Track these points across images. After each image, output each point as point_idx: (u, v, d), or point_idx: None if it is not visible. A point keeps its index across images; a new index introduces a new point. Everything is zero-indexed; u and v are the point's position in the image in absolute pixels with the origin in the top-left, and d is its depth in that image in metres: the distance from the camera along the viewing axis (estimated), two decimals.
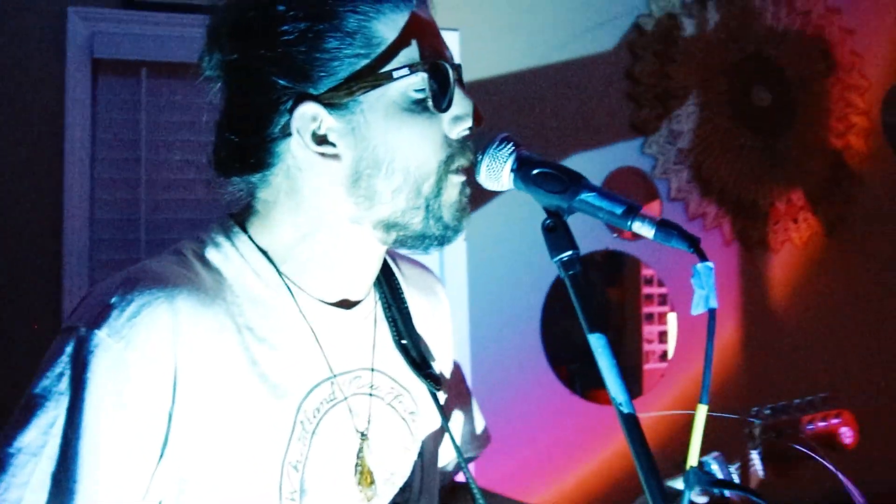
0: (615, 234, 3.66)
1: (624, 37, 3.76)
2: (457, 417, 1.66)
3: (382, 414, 1.40)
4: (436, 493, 1.53)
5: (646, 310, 4.05)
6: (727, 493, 1.32)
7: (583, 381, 3.66)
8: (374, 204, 1.26)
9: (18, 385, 1.21)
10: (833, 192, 4.05)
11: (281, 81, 1.23)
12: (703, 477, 1.05)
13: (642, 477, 1.05)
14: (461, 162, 1.28)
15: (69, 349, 1.15)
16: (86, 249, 3.00)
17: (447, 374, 1.62)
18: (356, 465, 1.33)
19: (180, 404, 1.16)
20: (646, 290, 4.04)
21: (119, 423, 1.12)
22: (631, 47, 3.76)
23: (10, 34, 3.01)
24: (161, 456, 1.16)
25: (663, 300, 4.01)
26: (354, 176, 1.25)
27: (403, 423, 1.43)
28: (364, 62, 1.22)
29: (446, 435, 1.55)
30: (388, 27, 1.24)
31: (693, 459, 1.03)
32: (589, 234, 3.49)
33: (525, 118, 3.57)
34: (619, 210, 1.14)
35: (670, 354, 3.83)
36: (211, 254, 1.30)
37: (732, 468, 1.68)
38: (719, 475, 1.61)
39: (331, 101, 1.22)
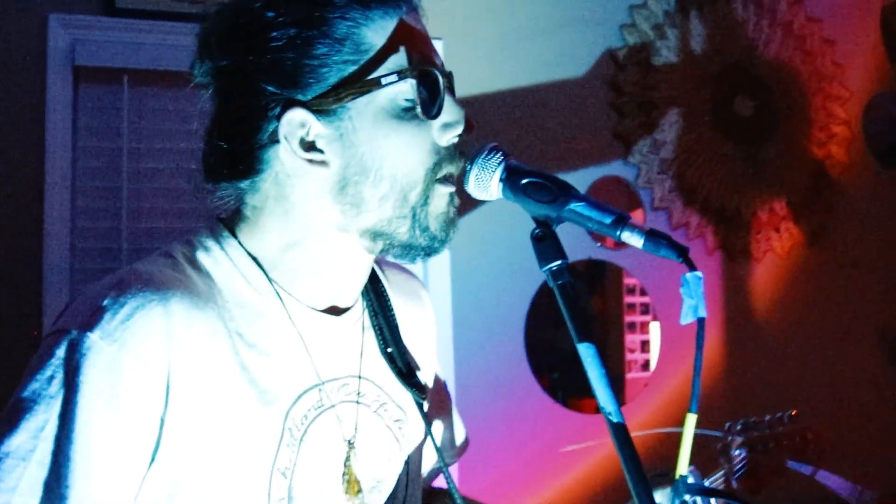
0: (598, 244, 3.67)
1: (607, 45, 3.78)
2: (437, 424, 1.65)
3: (369, 422, 1.39)
4: (420, 502, 1.52)
5: (628, 319, 4.06)
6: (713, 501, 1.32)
7: (564, 389, 3.66)
8: (361, 211, 1.25)
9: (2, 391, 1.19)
10: (815, 202, 4.07)
11: (269, 87, 1.22)
12: (691, 485, 1.05)
13: (631, 485, 1.05)
14: (449, 169, 1.28)
15: (60, 352, 1.13)
16: (66, 258, 2.98)
17: (430, 381, 1.62)
18: (343, 473, 1.33)
19: (173, 408, 1.15)
20: (628, 299, 4.05)
21: (112, 427, 1.11)
22: (614, 57, 3.77)
23: None
24: (152, 460, 1.15)
25: (646, 309, 4.02)
26: (342, 183, 1.24)
27: (389, 431, 1.42)
28: (353, 68, 1.22)
29: (429, 446, 1.55)
30: (378, 34, 1.24)
31: (682, 468, 1.03)
32: (571, 243, 3.49)
33: (508, 127, 3.57)
34: (608, 220, 1.14)
35: (653, 363, 3.84)
36: (201, 257, 1.30)
37: (707, 482, 1.69)
38: None
39: (319, 108, 1.22)
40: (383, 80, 1.21)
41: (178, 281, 1.22)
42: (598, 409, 3.18)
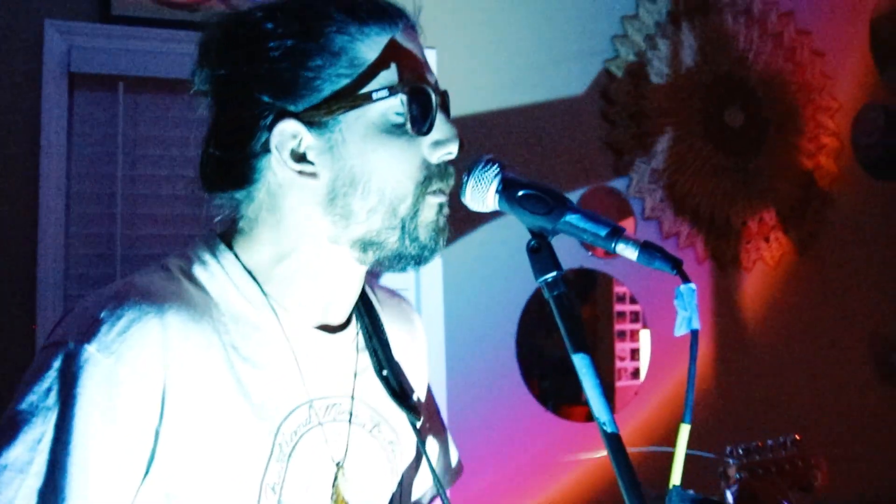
0: (589, 252, 3.68)
1: (599, 56, 3.80)
2: (432, 449, 1.65)
3: (362, 443, 1.39)
4: None
5: (618, 327, 4.07)
6: None
7: (555, 397, 3.67)
8: (350, 223, 1.26)
9: None
10: (804, 212, 4.10)
11: (264, 97, 1.24)
12: (684, 494, 1.06)
13: (625, 495, 1.07)
14: (439, 185, 1.28)
15: (57, 364, 1.13)
16: (61, 264, 2.98)
17: (424, 401, 1.62)
18: (332, 494, 1.33)
19: (168, 420, 1.16)
20: (618, 307, 4.07)
21: (108, 439, 1.12)
22: (605, 67, 3.79)
23: None
24: (147, 472, 1.15)
25: (636, 318, 4.03)
26: (331, 194, 1.26)
27: (383, 452, 1.43)
28: (346, 82, 1.23)
29: (421, 467, 1.55)
30: (372, 49, 1.25)
31: (676, 478, 1.04)
32: (562, 251, 3.51)
33: (500, 137, 3.59)
34: (603, 232, 1.15)
35: (643, 372, 3.85)
36: (197, 271, 1.30)
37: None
38: None
39: (311, 120, 1.23)
40: (374, 95, 1.23)
41: (174, 294, 1.23)
42: (588, 418, 3.18)
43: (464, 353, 3.43)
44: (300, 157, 1.25)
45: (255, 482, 1.23)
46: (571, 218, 1.17)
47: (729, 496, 1.71)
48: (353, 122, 1.24)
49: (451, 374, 3.37)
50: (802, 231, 4.10)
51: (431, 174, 1.27)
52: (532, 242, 1.19)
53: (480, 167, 1.24)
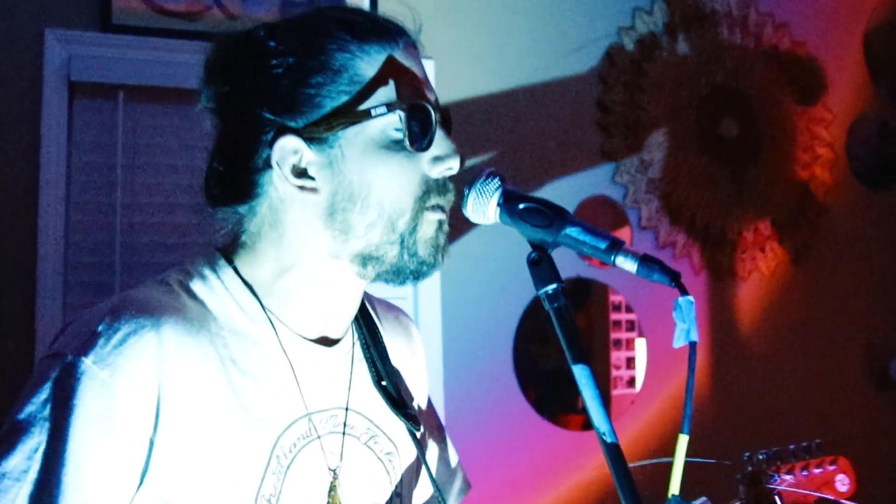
0: (586, 262, 3.70)
1: (595, 66, 3.82)
2: (433, 462, 1.66)
3: (357, 453, 1.40)
4: None
5: (614, 336, 4.09)
6: None
7: (551, 406, 3.68)
8: (350, 238, 1.28)
9: None
10: (799, 222, 4.13)
11: (265, 114, 1.26)
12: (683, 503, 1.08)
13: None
14: (438, 201, 1.30)
15: (55, 375, 1.15)
16: (60, 273, 2.98)
17: (425, 414, 1.63)
18: (328, 502, 1.34)
19: (162, 431, 1.17)
20: (614, 316, 4.08)
21: (103, 450, 1.13)
22: (602, 77, 3.81)
23: None
24: (141, 482, 1.17)
25: (631, 326, 4.05)
26: (330, 209, 1.27)
27: (380, 463, 1.44)
28: (345, 99, 1.25)
29: (423, 480, 1.56)
30: (372, 67, 1.27)
31: (675, 488, 1.06)
32: (558, 261, 3.52)
33: (496, 146, 3.61)
34: (602, 245, 1.16)
35: (639, 381, 3.87)
36: (196, 286, 1.32)
37: None
38: None
39: (311, 136, 1.25)
40: (373, 112, 1.24)
41: (171, 308, 1.24)
42: (584, 427, 3.20)
43: (461, 362, 3.44)
44: (301, 173, 1.27)
45: (250, 494, 1.24)
46: (572, 231, 1.19)
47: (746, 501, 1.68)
48: (353, 138, 1.25)
49: (449, 383, 3.38)
50: (797, 241, 4.12)
51: (430, 189, 1.29)
52: (533, 255, 1.21)
53: (482, 180, 1.26)
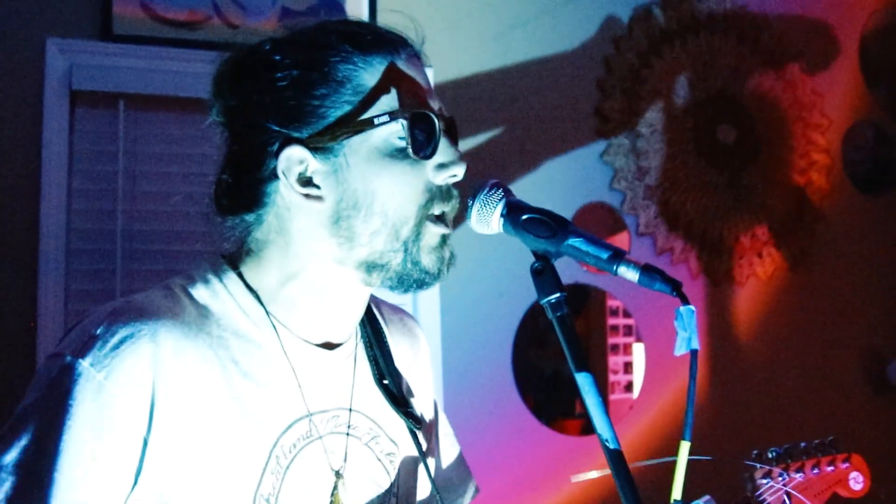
0: (584, 267, 3.71)
1: (593, 76, 3.85)
2: (442, 462, 1.69)
3: (359, 454, 1.43)
4: None
5: (611, 342, 4.10)
6: None
7: (550, 411, 3.70)
8: (355, 245, 1.31)
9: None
10: (796, 228, 4.15)
11: (272, 125, 1.29)
12: None
13: None
14: (442, 207, 1.33)
15: (54, 375, 1.20)
16: (61, 279, 3.00)
17: (429, 415, 1.66)
18: (330, 502, 1.36)
19: (156, 432, 1.21)
20: (611, 321, 4.10)
21: (96, 449, 1.17)
22: (600, 85, 3.83)
23: None
24: (136, 481, 1.20)
25: (629, 332, 4.07)
26: (335, 217, 1.30)
27: (380, 463, 1.46)
28: (349, 109, 1.28)
29: (423, 475, 1.57)
30: (375, 77, 1.30)
31: (677, 493, 1.07)
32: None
33: (494, 151, 3.63)
34: (605, 255, 1.19)
35: (637, 387, 3.88)
36: (199, 290, 1.35)
37: None
38: None
39: (316, 145, 1.28)
40: (376, 121, 1.28)
41: (170, 312, 1.28)
42: (582, 432, 3.20)
43: (460, 368, 3.45)
44: (306, 182, 1.30)
45: (248, 493, 1.27)
46: (575, 241, 1.21)
47: (753, 500, 1.67)
48: (357, 147, 1.28)
49: (448, 389, 3.39)
50: (794, 246, 4.14)
51: (434, 196, 1.31)
52: (536, 265, 1.23)
53: (485, 192, 1.29)
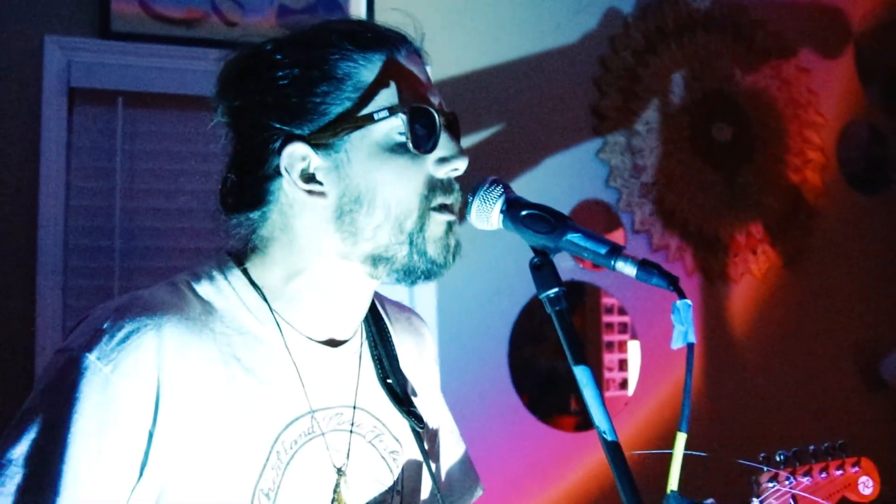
0: (580, 265, 3.73)
1: (590, 74, 3.86)
2: (447, 462, 1.70)
3: (362, 451, 1.44)
4: None
5: (607, 338, 4.13)
6: None
7: (545, 408, 3.71)
8: (359, 240, 1.32)
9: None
10: (791, 225, 4.16)
11: (274, 123, 1.31)
12: (681, 500, 1.11)
13: (625, 501, 1.11)
14: (444, 199, 1.34)
15: (62, 368, 1.22)
16: (60, 276, 3.01)
17: (435, 416, 1.67)
18: (333, 500, 1.38)
19: (161, 425, 1.22)
20: (607, 318, 4.12)
21: (103, 441, 1.19)
22: (597, 83, 3.85)
23: None
24: (141, 474, 1.22)
25: (624, 329, 4.09)
26: (338, 212, 1.32)
27: (384, 461, 1.47)
28: (349, 105, 1.30)
29: (425, 474, 1.58)
30: (375, 73, 1.32)
31: (673, 483, 1.09)
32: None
33: (492, 151, 3.64)
34: (603, 250, 1.20)
35: (633, 383, 3.90)
36: (204, 287, 1.37)
37: None
38: None
39: (318, 142, 1.30)
40: (376, 116, 1.29)
41: (175, 307, 1.30)
42: (577, 428, 3.20)
43: (457, 365, 3.46)
44: (309, 178, 1.32)
45: (248, 487, 1.28)
46: (573, 237, 1.23)
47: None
48: (359, 143, 1.30)
49: (444, 385, 3.36)
50: (789, 244, 4.16)
51: (436, 188, 1.33)
52: (535, 260, 1.25)
53: (485, 188, 1.30)
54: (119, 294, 3.03)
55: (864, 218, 4.37)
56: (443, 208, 1.34)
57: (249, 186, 1.36)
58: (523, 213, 1.26)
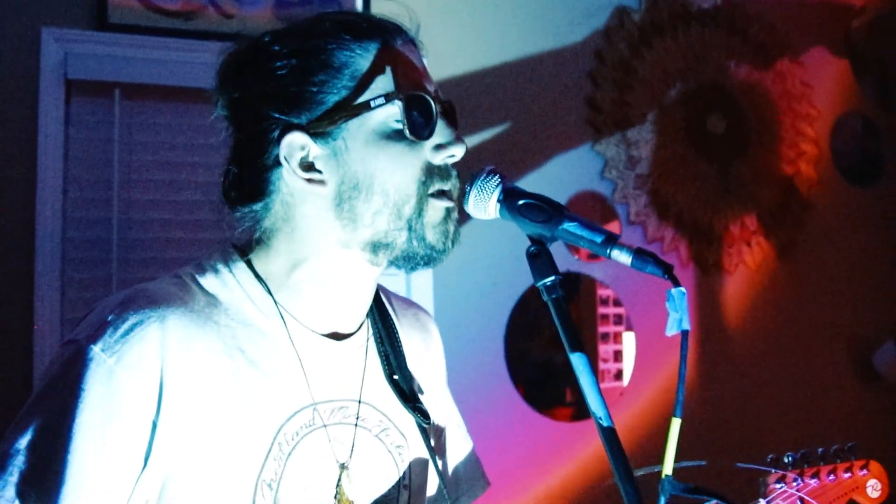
0: (575, 256, 3.75)
1: (584, 67, 3.88)
2: (453, 457, 1.71)
3: (368, 445, 1.45)
4: None
5: (602, 329, 4.13)
6: None
7: (541, 398, 3.73)
8: (358, 226, 1.34)
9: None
10: (784, 217, 4.19)
11: (273, 113, 1.33)
12: (676, 484, 1.13)
13: (621, 486, 1.13)
14: (442, 185, 1.35)
15: (68, 360, 1.24)
16: (57, 268, 3.01)
17: (441, 410, 1.68)
18: (335, 494, 1.39)
19: (165, 416, 1.24)
20: (602, 310, 4.13)
21: (107, 432, 1.20)
22: (592, 76, 3.86)
23: None
24: (145, 463, 1.23)
25: (619, 320, 4.10)
26: (337, 199, 1.33)
27: (390, 456, 1.48)
28: (346, 93, 1.31)
29: (431, 469, 1.59)
30: (370, 61, 1.33)
31: (668, 468, 1.11)
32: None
33: (485, 136, 3.65)
34: (599, 239, 1.22)
35: (628, 373, 3.92)
36: (208, 279, 1.38)
37: None
38: None
39: (316, 131, 1.32)
40: (372, 103, 1.31)
41: (179, 300, 1.31)
42: (573, 418, 3.21)
43: (453, 356, 3.45)
44: (308, 167, 1.33)
45: (250, 478, 1.29)
46: (569, 226, 1.24)
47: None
48: (356, 131, 1.32)
49: None
50: (783, 235, 4.18)
51: (432, 173, 1.34)
52: (532, 249, 1.26)
53: (482, 178, 1.31)
54: (117, 285, 3.04)
55: (858, 210, 4.40)
56: (441, 194, 1.35)
57: (251, 178, 1.37)
58: (520, 202, 1.28)
